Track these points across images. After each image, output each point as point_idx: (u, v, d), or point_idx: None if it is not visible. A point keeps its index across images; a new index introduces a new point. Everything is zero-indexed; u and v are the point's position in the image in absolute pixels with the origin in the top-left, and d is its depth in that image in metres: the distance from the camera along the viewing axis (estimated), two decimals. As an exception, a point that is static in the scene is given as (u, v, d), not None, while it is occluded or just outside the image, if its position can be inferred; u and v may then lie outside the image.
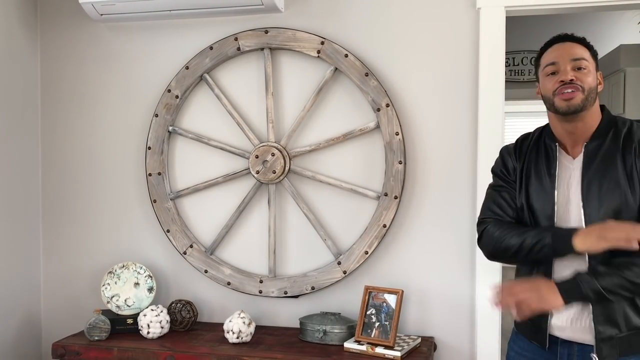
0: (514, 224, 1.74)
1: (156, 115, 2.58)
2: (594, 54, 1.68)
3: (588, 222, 1.60)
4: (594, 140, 1.65)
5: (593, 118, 1.67)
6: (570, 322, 1.67)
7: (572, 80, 1.62)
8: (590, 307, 1.62)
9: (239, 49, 2.50)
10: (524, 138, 1.82)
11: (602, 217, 1.59)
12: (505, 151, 1.85)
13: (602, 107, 1.72)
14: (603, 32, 5.15)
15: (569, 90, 1.61)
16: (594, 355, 1.64)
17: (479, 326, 2.33)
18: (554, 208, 1.67)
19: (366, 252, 2.38)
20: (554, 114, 1.69)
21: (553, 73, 1.66)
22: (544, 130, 1.78)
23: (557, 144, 1.72)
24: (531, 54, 5.52)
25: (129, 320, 2.43)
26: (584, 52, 1.66)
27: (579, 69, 1.63)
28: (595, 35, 5.17)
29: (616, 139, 1.64)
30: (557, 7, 2.30)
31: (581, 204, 1.62)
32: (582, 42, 1.69)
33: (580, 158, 1.67)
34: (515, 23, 5.49)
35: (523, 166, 1.77)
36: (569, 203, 1.66)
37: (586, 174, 1.63)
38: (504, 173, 1.82)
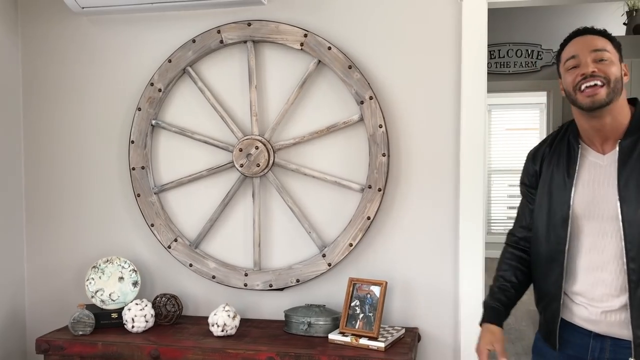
0: (508, 257, 1.88)
1: (139, 109, 2.57)
2: (616, 45, 1.61)
3: (626, 219, 1.56)
4: (629, 136, 1.59)
5: (622, 112, 1.60)
6: (605, 316, 1.63)
7: (593, 72, 1.55)
8: (628, 300, 1.57)
9: (222, 41, 2.49)
10: (546, 139, 1.78)
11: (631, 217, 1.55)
12: (529, 156, 1.83)
13: (635, 100, 1.65)
14: (587, 24, 5.16)
15: (592, 84, 1.55)
16: None
17: (463, 316, 2.35)
18: (569, 211, 1.65)
19: (350, 245, 2.39)
20: (579, 110, 1.63)
21: (574, 67, 1.60)
22: (569, 127, 1.73)
23: (580, 143, 1.68)
24: (516, 46, 5.55)
25: (114, 315, 2.43)
26: (605, 44, 1.59)
27: (601, 60, 1.56)
28: (578, 26, 5.20)
29: None
30: (539, -1, 2.31)
31: (618, 202, 1.57)
32: (603, 34, 1.62)
33: (612, 155, 1.61)
34: (500, 15, 5.51)
35: (542, 168, 1.75)
36: (601, 201, 1.61)
37: (623, 171, 1.57)
38: (524, 181, 1.85)
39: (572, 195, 1.66)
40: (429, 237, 2.39)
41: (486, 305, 1.85)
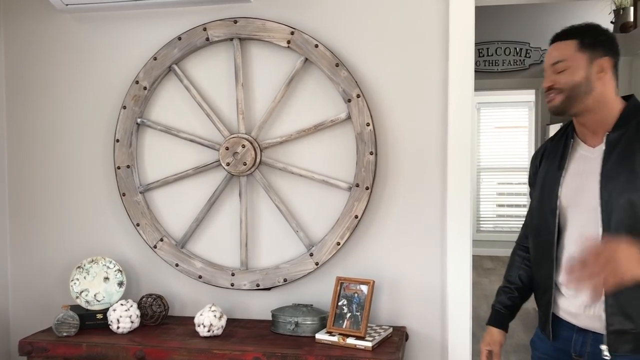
0: (514, 259, 2.00)
1: (124, 107, 2.54)
2: (587, 43, 1.64)
3: (604, 210, 1.60)
4: (617, 129, 1.63)
5: (604, 108, 1.64)
6: (584, 309, 1.65)
7: (549, 87, 1.68)
8: (603, 295, 1.59)
9: (207, 39, 2.46)
10: (551, 137, 1.86)
11: (619, 207, 1.57)
12: (532, 156, 1.92)
13: (629, 96, 1.69)
14: (575, 22, 5.18)
15: (549, 96, 1.69)
16: (604, 347, 1.61)
17: (450, 315, 2.34)
18: (557, 202, 1.71)
19: (338, 243, 2.38)
20: None
21: None
22: (570, 125, 1.80)
23: (574, 137, 1.74)
24: (505, 45, 5.55)
25: (99, 316, 2.40)
26: (565, 51, 1.66)
27: (560, 72, 1.65)
28: (567, 24, 5.21)
29: (636, 129, 1.60)
30: (526, -3, 2.30)
31: (599, 192, 1.61)
32: (570, 35, 1.68)
33: (600, 148, 1.65)
34: (489, 13, 5.51)
35: (540, 165, 1.83)
36: (585, 192, 1.65)
37: (606, 163, 1.61)
38: (529, 180, 1.93)
39: (560, 186, 1.72)
40: (417, 235, 2.38)
41: (492, 307, 1.98)
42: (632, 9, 4.36)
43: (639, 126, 1.60)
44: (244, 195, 2.46)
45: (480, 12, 4.97)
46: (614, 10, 4.60)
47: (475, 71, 5.51)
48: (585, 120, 1.68)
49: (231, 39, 2.46)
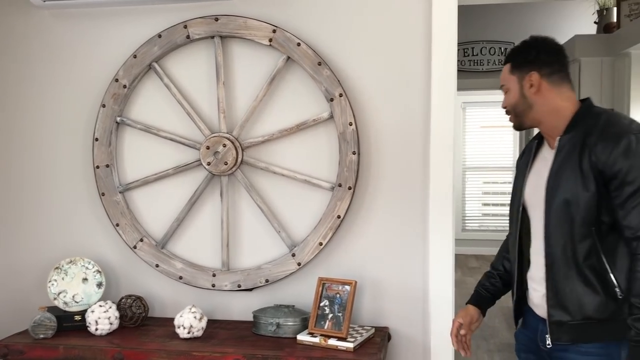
0: (501, 247, 2.07)
1: (103, 106, 2.49)
2: (517, 62, 1.76)
3: (547, 209, 1.70)
4: (567, 132, 1.71)
5: (553, 114, 1.73)
6: (542, 300, 1.75)
7: (503, 107, 1.83)
8: (545, 283, 1.72)
9: (188, 37, 2.43)
10: (533, 138, 1.93)
11: (557, 205, 1.67)
12: (519, 156, 1.99)
13: (584, 100, 1.76)
14: (559, 22, 5.21)
15: (507, 115, 1.84)
16: (547, 337, 1.71)
17: (433, 315, 2.33)
18: (521, 199, 1.83)
19: (320, 244, 2.35)
20: None
21: None
22: None
23: (540, 139, 1.85)
24: (490, 44, 5.57)
25: (77, 317, 2.36)
26: (504, 74, 1.81)
27: (505, 94, 1.81)
28: (551, 25, 5.23)
29: (582, 131, 1.67)
30: (509, -4, 2.30)
31: (544, 192, 1.71)
32: (506, 59, 1.82)
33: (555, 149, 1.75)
34: (474, 13, 5.52)
35: (518, 165, 1.94)
36: (539, 190, 1.75)
37: (554, 164, 1.71)
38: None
39: (525, 185, 1.84)
40: (399, 235, 2.37)
41: (475, 289, 2.04)
42: (615, 9, 4.38)
43: (583, 129, 1.67)
44: (225, 195, 2.43)
45: (465, 12, 4.98)
46: (597, 10, 4.62)
47: (461, 71, 5.54)
48: (542, 128, 1.79)
49: (212, 37, 2.43)
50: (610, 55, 4.15)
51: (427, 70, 2.33)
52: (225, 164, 2.37)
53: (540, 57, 1.74)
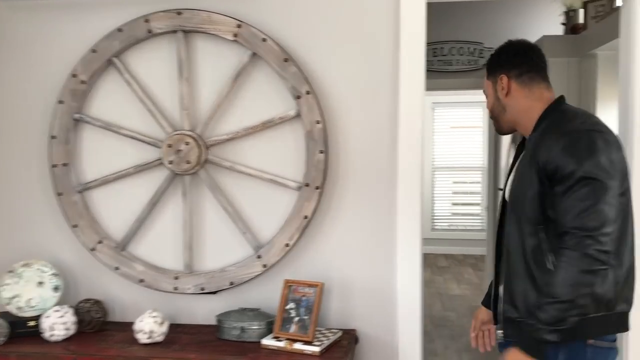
0: None
1: (61, 102, 2.39)
2: (490, 67, 1.83)
3: (508, 207, 1.79)
4: (533, 132, 1.75)
5: (526, 116, 1.76)
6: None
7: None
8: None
9: (150, 31, 2.34)
10: None
11: (510, 203, 1.77)
12: None
13: (557, 98, 1.76)
14: (528, 23, 5.24)
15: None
16: (499, 332, 1.79)
17: (401, 317, 2.29)
18: (504, 194, 1.88)
19: (287, 245, 2.29)
20: None
21: None
22: None
23: (523, 139, 1.88)
24: (459, 45, 5.57)
25: (31, 323, 2.25)
26: (484, 81, 1.87)
27: (486, 99, 1.88)
28: (520, 26, 5.26)
29: (542, 130, 1.70)
30: (478, -6, 2.27)
31: (509, 186, 1.80)
32: (485, 66, 1.88)
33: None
34: (444, 13, 5.52)
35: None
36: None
37: (519, 163, 1.79)
38: None
39: (506, 183, 1.87)
40: (367, 235, 2.32)
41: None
42: (582, 11, 4.41)
43: (544, 128, 1.70)
44: (188, 195, 2.35)
45: (435, 12, 4.96)
46: (564, 12, 4.65)
47: (430, 71, 5.52)
48: (518, 130, 1.84)
49: (175, 32, 2.35)
50: (577, 56, 4.18)
51: (396, 69, 2.29)
52: (188, 162, 2.29)
53: (509, 59, 1.78)
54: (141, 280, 2.38)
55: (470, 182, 8.53)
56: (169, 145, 2.30)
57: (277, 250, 2.30)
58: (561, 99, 1.75)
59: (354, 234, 2.33)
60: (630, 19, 2.19)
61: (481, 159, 8.32)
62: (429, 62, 5.45)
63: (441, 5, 5.01)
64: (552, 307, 1.50)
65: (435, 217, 8.47)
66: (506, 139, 4.89)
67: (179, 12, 2.32)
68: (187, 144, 2.29)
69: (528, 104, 1.75)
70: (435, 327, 4.75)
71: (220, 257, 2.39)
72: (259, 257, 2.31)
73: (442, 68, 5.68)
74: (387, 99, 2.30)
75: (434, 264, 7.56)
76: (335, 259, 2.33)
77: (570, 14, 4.56)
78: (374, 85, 2.30)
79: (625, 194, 1.58)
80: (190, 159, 2.29)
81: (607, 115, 3.65)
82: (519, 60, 1.76)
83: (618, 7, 3.77)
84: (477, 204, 8.39)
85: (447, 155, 8.52)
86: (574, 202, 1.51)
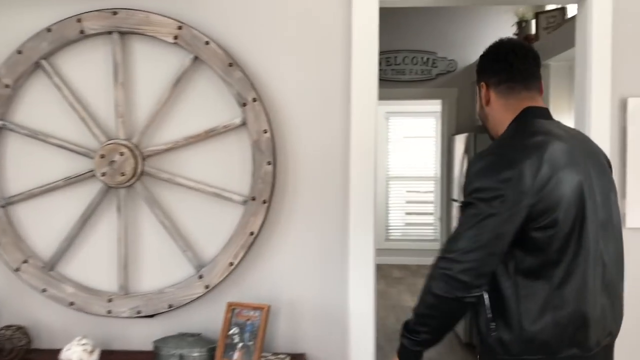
0: None
1: (-19, 107, 2.17)
2: (476, 72, 1.66)
3: None
4: None
5: (502, 127, 1.59)
6: None
7: None
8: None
9: (82, 32, 2.16)
10: None
11: None
12: None
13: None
14: (481, 33, 5.25)
15: None
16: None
17: (353, 338, 2.16)
18: None
19: (231, 264, 2.13)
20: None
21: None
22: None
23: None
24: (412, 54, 5.53)
25: (-57, 354, 2.02)
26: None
27: None
28: (473, 36, 5.26)
29: None
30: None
31: None
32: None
33: None
34: (398, 21, 5.48)
35: None
36: None
37: None
38: None
39: None
40: (318, 251, 2.19)
41: None
42: (533, 21, 4.43)
43: None
44: (123, 209, 2.16)
45: (388, 20, 4.90)
46: (516, 22, 4.66)
47: (384, 80, 5.45)
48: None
49: (110, 33, 2.17)
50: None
51: (348, 77, 2.17)
52: (123, 174, 2.10)
53: (489, 65, 1.62)
54: (71, 303, 2.18)
55: (423, 192, 8.53)
56: (102, 156, 2.11)
57: (221, 269, 2.13)
58: (522, 113, 1.56)
59: (304, 250, 2.19)
60: (586, 29, 2.13)
61: (433, 168, 8.33)
62: (382, 71, 5.39)
63: (395, 14, 4.96)
64: (412, 317, 1.52)
65: (389, 227, 8.42)
66: (459, 149, 4.85)
67: (114, 12, 2.14)
68: (121, 154, 2.10)
69: (503, 117, 1.58)
70: (388, 342, 4.64)
71: (158, 278, 2.21)
72: (200, 277, 2.14)
73: (395, 77, 5.62)
74: (339, 108, 2.17)
75: (389, 275, 7.48)
76: (284, 278, 2.18)
77: (522, 24, 4.57)
78: (325, 93, 2.18)
79: (553, 225, 1.40)
80: (125, 171, 2.10)
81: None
82: (498, 67, 1.58)
83: (570, 19, 3.79)
84: (431, 214, 8.39)
85: (401, 165, 8.50)
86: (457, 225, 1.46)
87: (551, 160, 1.40)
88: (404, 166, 8.51)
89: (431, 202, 8.40)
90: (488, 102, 1.61)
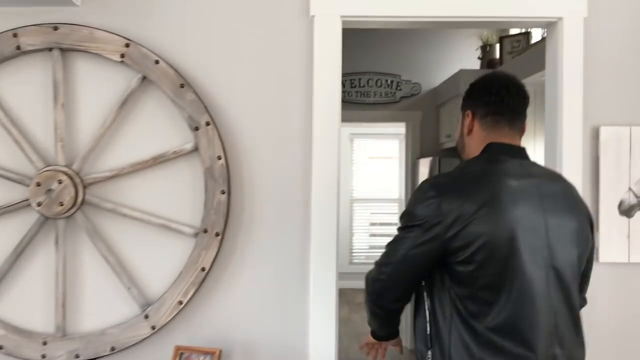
0: None
1: None
2: (464, 97, 1.61)
3: None
4: None
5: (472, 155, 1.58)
6: None
7: None
8: None
9: (19, 47, 1.98)
10: None
11: None
12: None
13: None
14: (445, 56, 5.21)
15: None
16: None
17: (314, 383, 1.99)
18: None
19: (180, 302, 1.95)
20: None
21: None
22: None
23: None
24: (377, 76, 5.45)
25: None
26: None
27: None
28: (437, 59, 5.22)
29: None
30: (396, 21, 2.07)
31: None
32: None
33: None
34: (362, 43, 5.42)
35: None
36: None
37: None
38: None
39: None
40: (276, 288, 2.03)
41: None
42: (497, 45, 4.40)
43: None
44: (61, 242, 1.97)
45: (353, 42, 4.83)
46: (480, 46, 4.64)
47: (349, 102, 5.35)
48: None
49: (50, 49, 1.99)
50: (494, 90, 4.12)
51: (310, 98, 2.03)
52: (61, 204, 1.91)
53: (480, 96, 1.55)
54: (0, 348, 1.96)
55: (387, 213, 8.46)
56: (38, 184, 1.92)
57: (169, 308, 1.95)
58: (485, 147, 1.52)
59: (260, 287, 2.03)
60: (557, 56, 2.05)
61: (397, 191, 8.28)
62: (346, 93, 5.29)
63: (359, 35, 4.88)
64: None
65: (353, 250, 8.30)
66: (424, 172, 4.78)
67: (55, 27, 1.97)
68: (60, 182, 1.91)
69: (478, 149, 1.53)
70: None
71: (99, 317, 2.01)
72: (146, 317, 1.95)
73: (359, 99, 5.53)
74: (300, 131, 2.04)
75: (352, 300, 7.33)
76: (238, 318, 2.01)
77: (486, 48, 4.54)
78: (286, 116, 2.04)
79: (470, 261, 1.38)
80: (64, 200, 1.92)
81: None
82: (488, 100, 1.53)
83: (535, 43, 3.76)
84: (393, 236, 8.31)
85: (365, 187, 8.43)
86: None
87: (482, 196, 1.39)
88: (368, 188, 8.44)
89: (395, 224, 8.33)
90: (470, 131, 1.56)
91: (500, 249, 1.36)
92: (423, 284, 1.52)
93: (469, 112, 1.56)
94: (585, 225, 1.50)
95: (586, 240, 1.49)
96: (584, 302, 1.60)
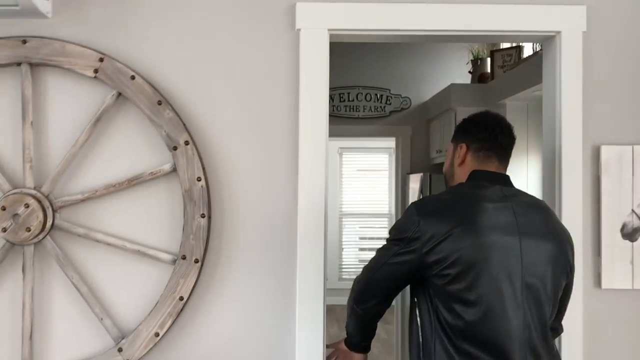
0: None
1: None
2: (456, 130, 1.74)
3: None
4: None
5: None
6: None
7: None
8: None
9: (-16, 62, 1.85)
10: None
11: None
12: None
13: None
14: (435, 70, 5.14)
15: None
16: None
17: (301, 420, 1.87)
18: None
19: (157, 334, 1.83)
20: None
21: None
22: None
23: None
24: (366, 90, 5.37)
25: None
26: (451, 139, 1.77)
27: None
28: (427, 73, 5.15)
29: None
30: (385, 34, 1.98)
31: None
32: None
33: None
34: (351, 58, 5.34)
35: None
36: None
37: None
38: None
39: None
40: (259, 319, 1.90)
41: None
42: (488, 60, 4.33)
43: None
44: (28, 270, 1.84)
45: (342, 56, 4.75)
46: (471, 60, 4.56)
47: (338, 116, 5.26)
48: None
49: (19, 64, 1.87)
50: (485, 105, 4.03)
51: (296, 114, 1.92)
52: (28, 230, 1.78)
53: (476, 131, 1.68)
54: (-39, 384, 1.82)
55: (377, 228, 8.38)
56: (3, 208, 1.79)
57: (144, 341, 1.82)
58: (470, 175, 1.65)
59: (243, 317, 1.90)
60: (555, 72, 1.95)
61: (387, 205, 8.20)
62: (335, 107, 5.20)
63: (349, 49, 4.80)
64: None
65: (342, 266, 8.18)
66: (414, 188, 4.68)
67: (23, 41, 1.85)
68: (27, 206, 1.79)
69: (465, 177, 1.67)
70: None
71: (70, 350, 1.88)
72: (120, 350, 1.82)
73: (348, 114, 5.44)
74: (286, 149, 1.92)
75: (342, 317, 7.19)
76: (219, 351, 1.88)
77: (477, 62, 4.47)
78: (271, 133, 1.92)
79: (445, 275, 1.49)
80: (31, 225, 1.79)
81: (515, 165, 3.48)
82: (483, 136, 1.67)
83: (526, 58, 3.69)
84: (384, 251, 8.21)
85: (355, 201, 8.34)
86: None
87: (458, 217, 1.50)
88: (357, 202, 8.35)
89: (384, 237, 8.24)
90: (462, 162, 1.69)
91: (472, 264, 1.46)
92: (415, 300, 1.61)
93: (463, 144, 1.69)
94: (565, 250, 1.56)
95: (564, 264, 1.55)
96: (560, 328, 1.66)
